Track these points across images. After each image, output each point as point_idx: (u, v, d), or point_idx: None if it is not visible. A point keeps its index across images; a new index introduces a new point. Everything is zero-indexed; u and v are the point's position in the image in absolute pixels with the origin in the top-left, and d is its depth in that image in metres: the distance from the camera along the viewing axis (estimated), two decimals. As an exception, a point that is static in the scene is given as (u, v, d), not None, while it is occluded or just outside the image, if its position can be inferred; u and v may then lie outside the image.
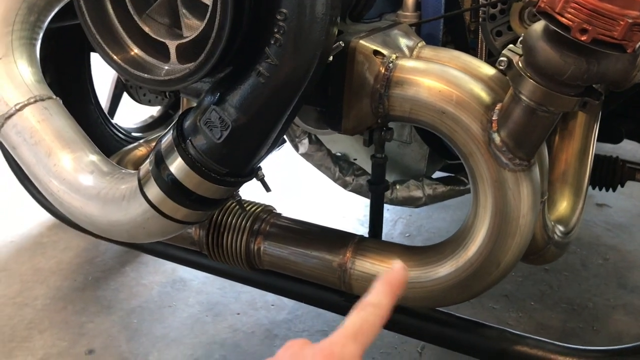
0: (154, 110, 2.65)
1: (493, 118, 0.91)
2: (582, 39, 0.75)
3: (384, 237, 2.49)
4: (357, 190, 1.62)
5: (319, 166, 1.62)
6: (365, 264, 1.06)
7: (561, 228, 1.20)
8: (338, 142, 1.69)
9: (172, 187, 0.95)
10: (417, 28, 1.37)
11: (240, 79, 0.85)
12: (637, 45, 0.76)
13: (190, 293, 2.14)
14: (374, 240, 1.11)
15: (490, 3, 1.29)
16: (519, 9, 1.23)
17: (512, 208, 0.91)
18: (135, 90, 2.47)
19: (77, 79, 2.12)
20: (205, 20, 0.82)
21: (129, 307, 2.06)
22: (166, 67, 0.85)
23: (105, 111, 2.52)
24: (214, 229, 1.17)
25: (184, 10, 0.86)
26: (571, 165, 1.31)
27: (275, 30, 0.80)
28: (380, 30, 1.04)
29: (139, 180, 0.99)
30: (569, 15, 0.75)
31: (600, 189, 1.75)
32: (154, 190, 0.97)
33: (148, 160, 0.98)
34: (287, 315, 2.03)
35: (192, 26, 0.86)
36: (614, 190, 1.73)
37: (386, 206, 2.78)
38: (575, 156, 1.33)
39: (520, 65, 0.85)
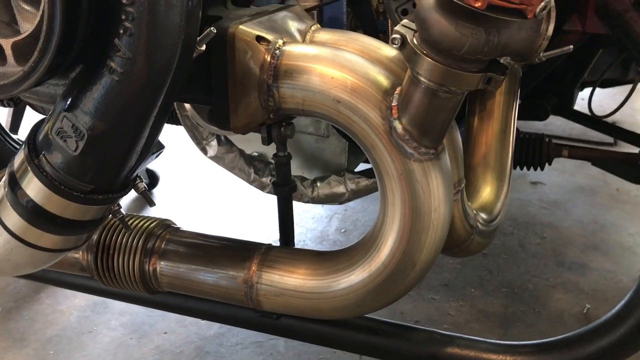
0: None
1: (393, 104, 0.81)
2: (477, 5, 0.65)
3: (319, 235, 2.41)
4: (277, 192, 1.50)
5: (231, 169, 1.50)
6: (273, 277, 0.94)
7: (484, 216, 1.12)
8: (252, 141, 1.57)
9: (33, 213, 0.81)
10: (320, 12, 1.27)
11: (91, 78, 0.72)
12: (538, 10, 0.67)
13: (113, 315, 1.98)
14: (281, 249, 1.00)
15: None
16: (423, -16, 1.14)
17: (422, 202, 0.82)
18: (37, 101, 2.27)
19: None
20: (40, 11, 0.68)
21: (44, 338, 1.89)
22: (-3, 71, 0.71)
23: (7, 126, 2.32)
24: (103, 252, 1.03)
25: (18, 1, 0.72)
26: (492, 148, 1.23)
27: (124, 17, 0.67)
28: (267, 14, 0.92)
29: (-5, 207, 0.84)
30: (460, -20, 0.66)
31: (529, 169, 1.70)
32: (12, 218, 0.83)
33: (1, 183, 0.84)
34: (219, 329, 1.90)
35: (29, 19, 0.72)
36: (542, 169, 1.68)
37: (319, 203, 2.68)
38: (495, 137, 1.25)
39: (415, 41, 0.75)
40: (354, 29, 1.36)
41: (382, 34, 1.34)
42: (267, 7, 0.98)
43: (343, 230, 2.42)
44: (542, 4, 0.67)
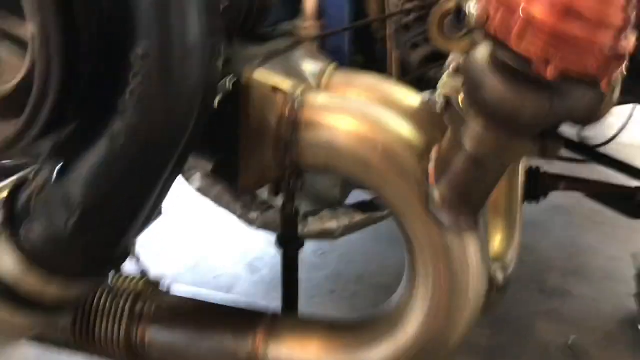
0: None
1: (429, 168, 0.72)
2: (550, 74, 0.57)
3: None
4: (266, 227, 1.39)
5: (218, 202, 1.38)
6: (281, 351, 0.84)
7: (499, 268, 1.05)
8: (237, 171, 1.46)
9: (5, 293, 0.68)
10: (321, 39, 1.17)
11: (87, 140, 0.60)
12: (613, 79, 0.59)
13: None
14: (290, 319, 0.89)
15: (402, 11, 1.10)
16: (439, 17, 1.05)
17: (459, 279, 0.73)
18: None
19: None
20: (25, 65, 0.56)
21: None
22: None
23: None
24: (82, 316, 0.90)
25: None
26: (502, 192, 1.16)
27: (136, 70, 0.56)
28: (279, 54, 0.82)
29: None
30: (528, 44, 0.57)
31: (523, 202, 1.64)
32: (-19, 293, 0.70)
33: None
34: None
35: (16, 69, 0.59)
36: (537, 202, 1.63)
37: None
38: (504, 180, 1.18)
39: (462, 105, 0.66)
40: (351, 54, 1.28)
41: (380, 62, 1.26)
42: (277, 43, 0.87)
43: (320, 253, 2.32)
44: (617, 72, 0.59)
